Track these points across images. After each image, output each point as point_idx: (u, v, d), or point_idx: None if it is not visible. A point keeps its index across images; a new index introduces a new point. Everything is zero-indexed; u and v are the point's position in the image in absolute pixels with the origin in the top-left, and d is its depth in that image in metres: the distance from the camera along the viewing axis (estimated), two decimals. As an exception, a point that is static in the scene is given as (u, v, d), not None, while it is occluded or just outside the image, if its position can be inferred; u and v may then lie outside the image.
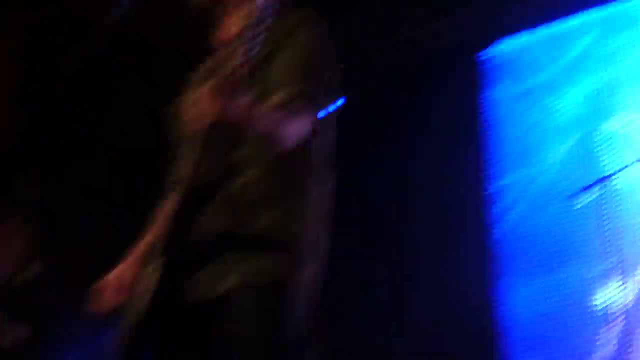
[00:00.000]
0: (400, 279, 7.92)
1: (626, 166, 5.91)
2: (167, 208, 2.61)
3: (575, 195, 5.80)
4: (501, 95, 7.84)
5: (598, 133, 6.96)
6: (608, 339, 6.24)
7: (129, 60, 6.78)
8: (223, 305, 2.56)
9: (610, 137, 6.88)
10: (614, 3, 7.16)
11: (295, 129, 2.60)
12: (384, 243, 8.06)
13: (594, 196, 5.81)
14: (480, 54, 8.04)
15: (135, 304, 2.63)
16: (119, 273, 2.88)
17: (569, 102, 7.32)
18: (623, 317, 6.10)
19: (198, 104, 2.37)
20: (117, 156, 6.84)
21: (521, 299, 7.17)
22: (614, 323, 6.20)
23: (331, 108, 2.78)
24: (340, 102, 2.74)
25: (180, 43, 5.72)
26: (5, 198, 6.04)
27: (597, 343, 6.36)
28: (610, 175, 5.82)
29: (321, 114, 2.73)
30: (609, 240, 6.25)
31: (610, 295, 6.39)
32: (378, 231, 8.14)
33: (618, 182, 6.08)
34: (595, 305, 6.51)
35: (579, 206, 5.86)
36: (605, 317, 6.35)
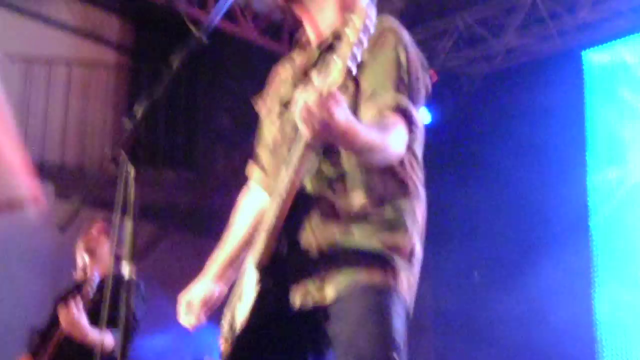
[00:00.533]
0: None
1: None
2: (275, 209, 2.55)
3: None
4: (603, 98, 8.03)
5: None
6: None
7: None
8: (324, 314, 2.56)
9: None
10: None
11: (392, 142, 2.48)
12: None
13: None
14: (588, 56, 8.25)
15: (240, 313, 2.69)
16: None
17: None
18: None
19: (307, 110, 2.20)
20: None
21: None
22: None
23: (424, 118, 2.67)
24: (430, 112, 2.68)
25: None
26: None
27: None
28: None
29: (416, 124, 2.59)
30: None
31: None
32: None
33: None
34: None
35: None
36: None
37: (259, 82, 3.07)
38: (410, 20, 9.53)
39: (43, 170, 9.40)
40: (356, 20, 2.25)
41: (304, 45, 2.87)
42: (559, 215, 7.93)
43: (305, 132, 2.26)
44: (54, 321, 5.16)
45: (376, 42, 2.58)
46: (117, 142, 2.34)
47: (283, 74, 2.93)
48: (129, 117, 2.36)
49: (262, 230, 2.61)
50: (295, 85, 2.77)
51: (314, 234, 2.60)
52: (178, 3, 8.65)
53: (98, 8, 10.32)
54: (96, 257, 5.32)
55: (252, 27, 9.29)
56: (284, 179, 2.49)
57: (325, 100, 2.19)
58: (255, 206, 2.96)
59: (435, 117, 8.41)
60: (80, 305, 4.92)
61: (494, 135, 8.62)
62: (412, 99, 2.58)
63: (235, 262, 2.94)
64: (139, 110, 2.36)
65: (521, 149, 8.36)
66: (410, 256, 2.65)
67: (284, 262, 2.59)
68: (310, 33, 2.84)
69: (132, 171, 2.33)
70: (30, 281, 8.57)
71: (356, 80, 2.58)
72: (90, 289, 4.98)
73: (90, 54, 10.16)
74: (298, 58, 2.88)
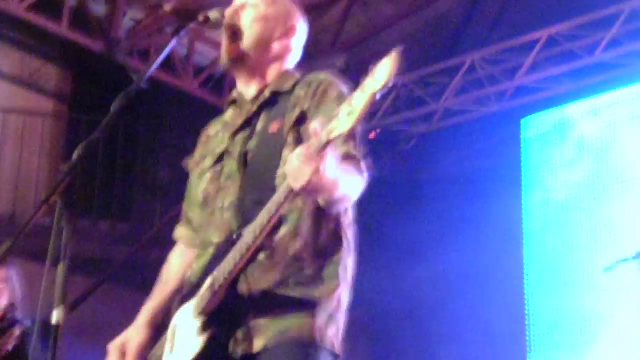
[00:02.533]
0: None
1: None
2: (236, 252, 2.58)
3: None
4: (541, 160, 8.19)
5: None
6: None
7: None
8: None
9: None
10: None
11: (353, 192, 2.59)
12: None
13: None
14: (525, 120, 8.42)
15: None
16: None
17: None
18: None
19: (298, 165, 2.29)
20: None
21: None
22: None
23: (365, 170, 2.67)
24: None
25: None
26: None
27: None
28: None
29: (365, 172, 2.68)
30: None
31: None
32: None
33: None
34: None
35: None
36: None
37: (198, 135, 3.08)
38: (349, 81, 9.69)
39: (-27, 218, 9.24)
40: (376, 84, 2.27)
41: (236, 102, 2.94)
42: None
43: (295, 186, 2.35)
44: None
45: (316, 92, 2.72)
46: (52, 186, 2.29)
47: (212, 131, 2.99)
48: (65, 163, 2.33)
49: (211, 277, 2.60)
50: (231, 136, 2.84)
51: (248, 280, 2.61)
52: (118, 53, 8.62)
53: (36, 56, 10.23)
54: None
55: (193, 79, 9.31)
56: (252, 229, 2.52)
57: (317, 158, 2.30)
58: (184, 260, 2.99)
59: (371, 173, 8.44)
60: None
61: (425, 194, 8.69)
62: (357, 148, 2.68)
63: (165, 311, 2.93)
64: (76, 155, 2.33)
65: (452, 212, 8.49)
66: (338, 307, 2.70)
67: (224, 308, 2.61)
68: (245, 90, 2.90)
69: (65, 216, 2.27)
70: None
71: (297, 128, 2.69)
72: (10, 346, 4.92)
73: (27, 102, 10.05)
74: (229, 114, 2.94)
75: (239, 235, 2.59)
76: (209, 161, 2.89)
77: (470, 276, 8.11)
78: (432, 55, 8.94)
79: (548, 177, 8.15)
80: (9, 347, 4.92)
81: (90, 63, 9.67)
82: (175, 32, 2.72)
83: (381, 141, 8.50)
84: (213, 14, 2.81)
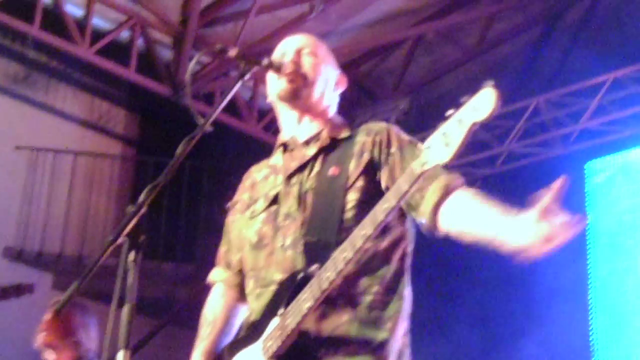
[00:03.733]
0: None
1: None
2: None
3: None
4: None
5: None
6: None
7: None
8: None
9: None
10: None
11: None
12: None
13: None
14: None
15: None
16: None
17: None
18: None
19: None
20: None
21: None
22: None
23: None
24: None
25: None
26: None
27: None
28: None
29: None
30: None
31: None
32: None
33: None
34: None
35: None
36: None
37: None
38: (413, 125, 9.74)
39: (42, 260, 9.39)
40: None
41: (286, 146, 3.01)
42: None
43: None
44: None
45: (377, 142, 2.82)
46: (119, 227, 2.32)
47: (258, 175, 3.06)
48: (132, 205, 2.37)
49: (281, 318, 2.61)
50: (286, 179, 2.89)
51: (322, 320, 2.64)
52: (184, 97, 8.76)
53: (105, 100, 10.45)
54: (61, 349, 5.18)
55: (256, 123, 9.40)
56: (326, 270, 2.53)
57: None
58: (227, 301, 3.05)
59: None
60: None
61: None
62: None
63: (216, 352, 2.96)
64: (142, 197, 2.37)
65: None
66: (405, 343, 2.75)
67: (296, 349, 2.61)
68: (297, 133, 2.98)
69: (132, 256, 2.29)
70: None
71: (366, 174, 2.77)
72: None
73: (96, 145, 10.24)
74: (277, 158, 3.02)
75: (306, 275, 2.60)
76: (262, 203, 2.93)
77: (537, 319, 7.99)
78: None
79: (613, 221, 8.02)
80: None
81: (157, 107, 9.84)
82: (240, 76, 2.76)
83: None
84: (276, 59, 2.89)
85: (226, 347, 2.86)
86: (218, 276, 3.10)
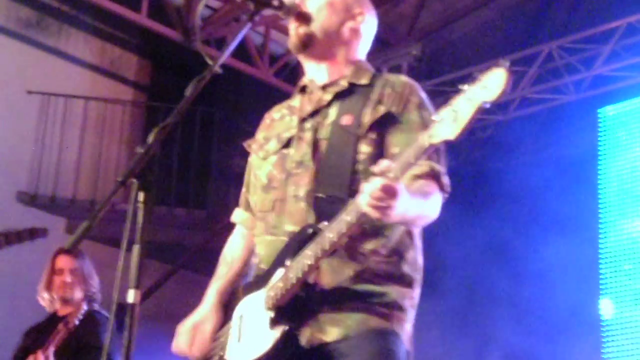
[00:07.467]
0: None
1: None
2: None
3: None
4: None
5: None
6: None
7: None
8: (331, 352, 2.62)
9: None
10: None
11: (431, 211, 2.64)
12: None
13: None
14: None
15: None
16: None
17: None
18: None
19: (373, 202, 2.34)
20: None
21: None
22: None
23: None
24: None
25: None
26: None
27: None
28: None
29: (447, 189, 2.73)
30: None
31: None
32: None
33: None
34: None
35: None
36: None
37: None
38: (425, 71, 9.70)
39: (55, 204, 9.45)
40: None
41: (306, 88, 2.94)
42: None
43: (371, 214, 2.39)
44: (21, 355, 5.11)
45: (403, 96, 2.77)
46: (128, 168, 2.30)
47: (277, 114, 3.00)
48: (141, 146, 2.33)
49: (285, 270, 2.61)
50: (300, 122, 2.85)
51: (326, 275, 2.64)
52: (195, 42, 8.72)
53: (116, 45, 10.42)
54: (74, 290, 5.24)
55: (268, 68, 9.37)
56: (330, 231, 2.52)
57: (389, 195, 2.33)
58: (246, 243, 3.03)
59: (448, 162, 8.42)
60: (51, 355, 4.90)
61: (504, 180, 8.58)
62: (441, 162, 2.73)
63: (231, 293, 2.97)
64: (151, 138, 2.33)
65: (530, 199, 8.37)
66: (412, 305, 2.76)
67: (297, 301, 2.63)
68: (316, 76, 2.91)
69: (141, 197, 2.27)
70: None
71: (378, 131, 2.73)
72: (77, 320, 4.93)
73: (107, 90, 10.24)
74: (297, 99, 2.95)
75: (316, 230, 2.60)
76: (274, 145, 2.90)
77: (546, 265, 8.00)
78: (509, 44, 8.84)
79: (626, 166, 8.00)
80: (76, 321, 4.93)
81: (169, 52, 9.81)
82: (250, 17, 2.72)
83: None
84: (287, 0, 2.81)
85: (241, 288, 2.87)
86: (238, 217, 3.07)
